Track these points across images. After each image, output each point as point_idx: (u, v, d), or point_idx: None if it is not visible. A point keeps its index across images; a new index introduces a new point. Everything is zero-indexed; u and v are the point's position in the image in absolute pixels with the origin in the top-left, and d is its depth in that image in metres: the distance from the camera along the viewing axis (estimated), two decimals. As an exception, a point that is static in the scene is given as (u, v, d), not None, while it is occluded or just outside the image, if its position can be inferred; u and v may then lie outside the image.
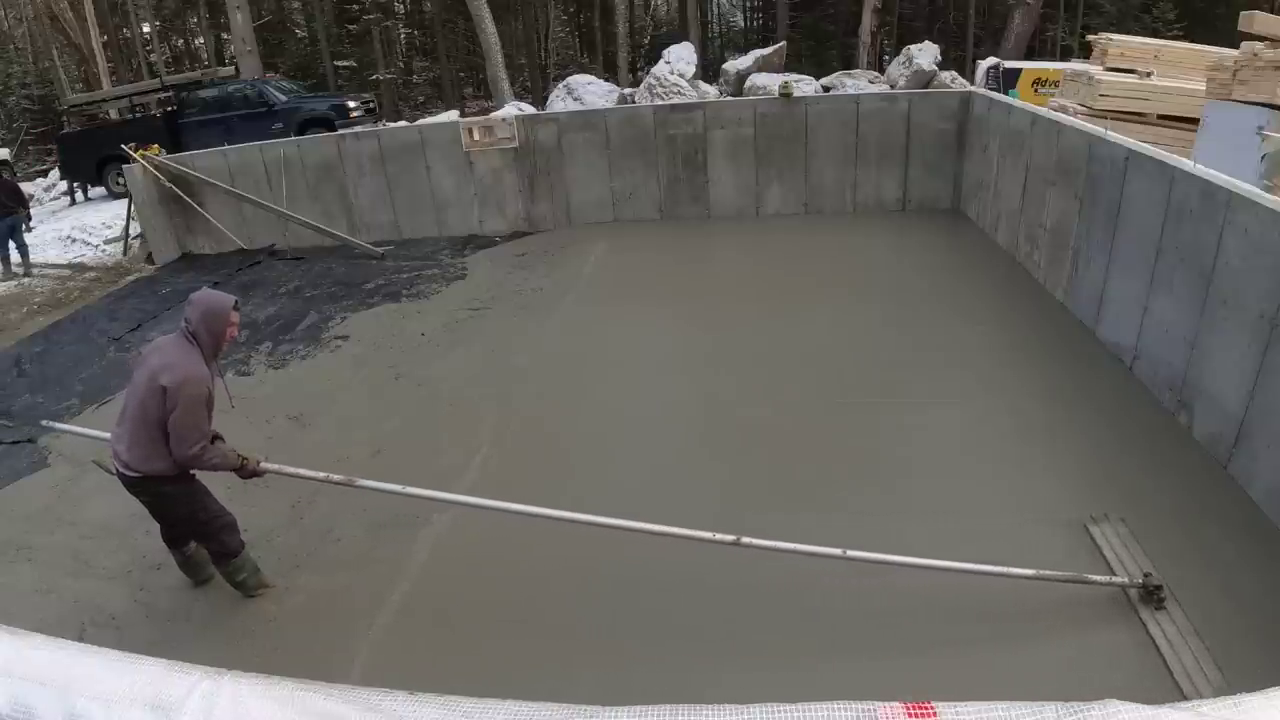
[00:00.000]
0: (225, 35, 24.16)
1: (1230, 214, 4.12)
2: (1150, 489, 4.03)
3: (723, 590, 3.57)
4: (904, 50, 13.10)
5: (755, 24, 30.19)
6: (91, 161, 13.74)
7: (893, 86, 12.47)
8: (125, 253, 10.93)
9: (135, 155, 10.17)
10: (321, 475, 3.64)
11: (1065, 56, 17.50)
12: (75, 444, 5.62)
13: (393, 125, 13.27)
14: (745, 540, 3.18)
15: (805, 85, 12.28)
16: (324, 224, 10.17)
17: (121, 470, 3.37)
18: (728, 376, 5.74)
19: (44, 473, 5.29)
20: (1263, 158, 6.09)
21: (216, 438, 3.55)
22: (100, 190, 14.09)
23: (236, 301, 3.44)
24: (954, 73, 13.08)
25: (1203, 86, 7.71)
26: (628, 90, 14.32)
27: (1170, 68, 9.02)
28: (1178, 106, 8.44)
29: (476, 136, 9.99)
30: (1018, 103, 8.25)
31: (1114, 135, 5.65)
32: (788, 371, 5.73)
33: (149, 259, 10.46)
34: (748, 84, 13.06)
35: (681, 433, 5.06)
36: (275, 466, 3.61)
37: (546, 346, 6.58)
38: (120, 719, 1.01)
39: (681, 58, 13.28)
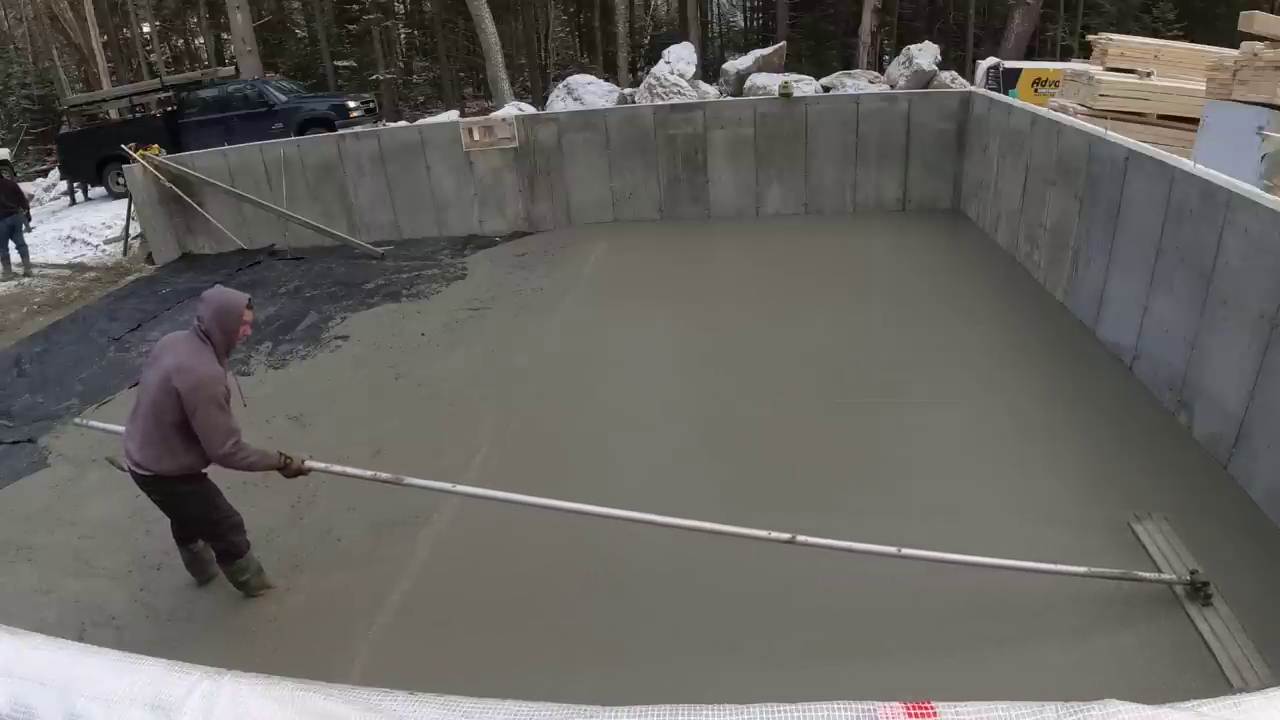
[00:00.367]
0: (225, 35, 24.16)
1: (1230, 214, 4.12)
2: (1150, 489, 4.03)
3: (723, 590, 3.57)
4: (904, 50, 13.11)
5: (755, 24, 30.19)
6: (91, 161, 13.74)
7: (893, 86, 12.47)
8: (125, 253, 10.93)
9: (135, 155, 10.17)
10: (369, 474, 3.59)
11: (1065, 56, 17.50)
12: (75, 444, 5.64)
13: (393, 125, 13.27)
14: (800, 539, 3.15)
15: (805, 85, 12.28)
16: (324, 224, 10.17)
17: (133, 469, 3.37)
18: (728, 376, 5.74)
19: (44, 473, 5.29)
20: (1263, 158, 6.09)
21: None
22: (100, 190, 14.10)
23: (250, 299, 3.42)
24: (954, 73, 13.09)
25: (1203, 86, 7.71)
26: (628, 90, 14.32)
27: (1170, 68, 9.02)
28: (1178, 106, 8.44)
29: (476, 136, 9.99)
30: (1018, 103, 8.25)
31: (1114, 135, 5.65)
32: (788, 371, 5.73)
33: (149, 259, 10.46)
34: (748, 84, 13.06)
35: (681, 432, 5.06)
36: (322, 465, 3.57)
37: (546, 346, 6.58)
38: (120, 719, 1.01)
39: (681, 58, 13.28)
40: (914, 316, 6.51)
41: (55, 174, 16.03)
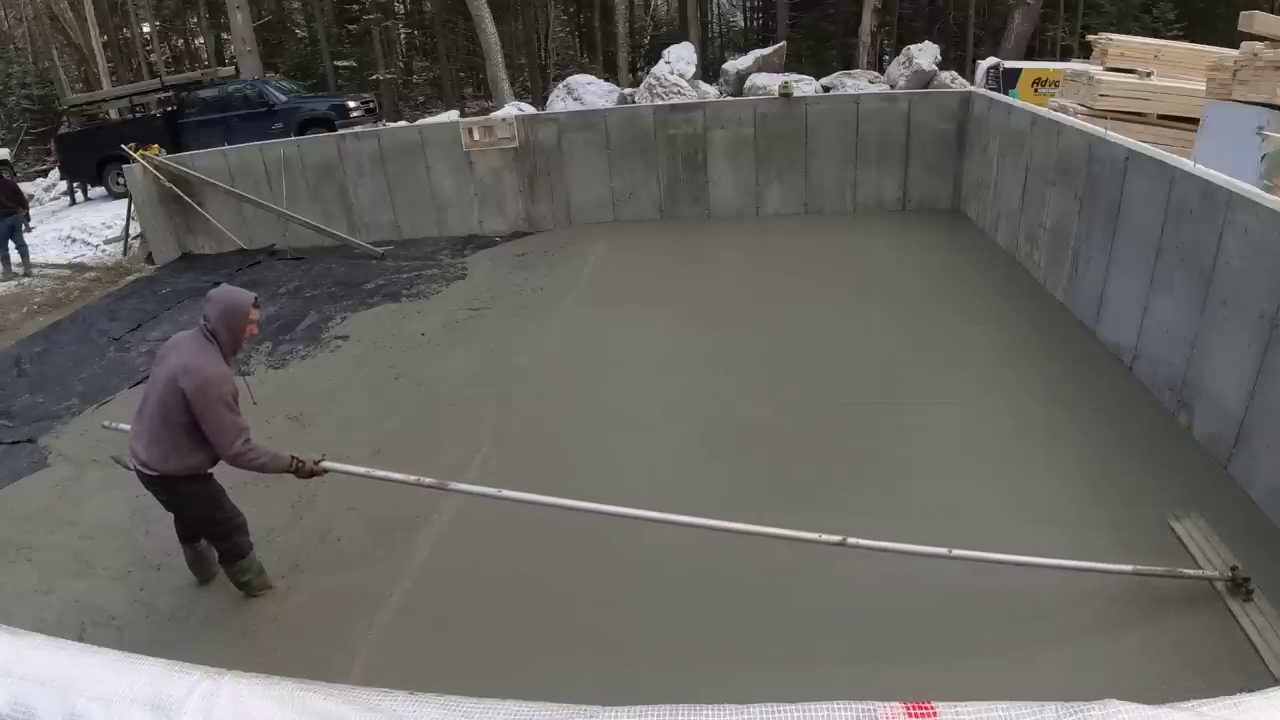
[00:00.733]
0: (225, 35, 24.16)
1: (1230, 214, 4.12)
2: (1150, 489, 4.03)
3: (723, 590, 3.57)
4: (904, 50, 13.11)
5: (755, 24, 30.19)
6: (91, 161, 13.74)
7: (893, 86, 12.47)
8: (125, 253, 10.93)
9: (135, 155, 10.18)
10: (412, 479, 3.56)
11: (1065, 56, 17.50)
12: (75, 444, 5.64)
13: (393, 125, 13.28)
14: (851, 541, 3.15)
15: (805, 85, 12.28)
16: (324, 224, 10.17)
17: (139, 468, 3.37)
18: (728, 376, 5.74)
19: (44, 473, 5.29)
20: (1263, 158, 6.09)
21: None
22: (100, 190, 14.10)
23: (256, 298, 3.41)
24: (954, 73, 13.09)
25: (1203, 86, 7.71)
26: (628, 90, 14.32)
27: (1170, 68, 9.02)
28: (1178, 106, 8.44)
29: (476, 136, 9.99)
30: (1018, 103, 8.25)
31: (1114, 135, 5.65)
32: (788, 371, 5.73)
33: (149, 259, 10.46)
34: (748, 84, 13.06)
35: (681, 432, 5.06)
36: (340, 466, 3.56)
37: (546, 346, 6.58)
38: (120, 719, 1.01)
39: (681, 58, 13.28)
40: (914, 316, 6.51)
41: (55, 174, 16.03)
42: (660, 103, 11.22)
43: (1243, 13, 7.60)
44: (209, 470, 3.46)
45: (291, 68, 23.46)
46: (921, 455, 4.56)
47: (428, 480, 3.54)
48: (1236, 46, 7.30)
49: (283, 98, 14.05)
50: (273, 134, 12.32)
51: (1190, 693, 1.79)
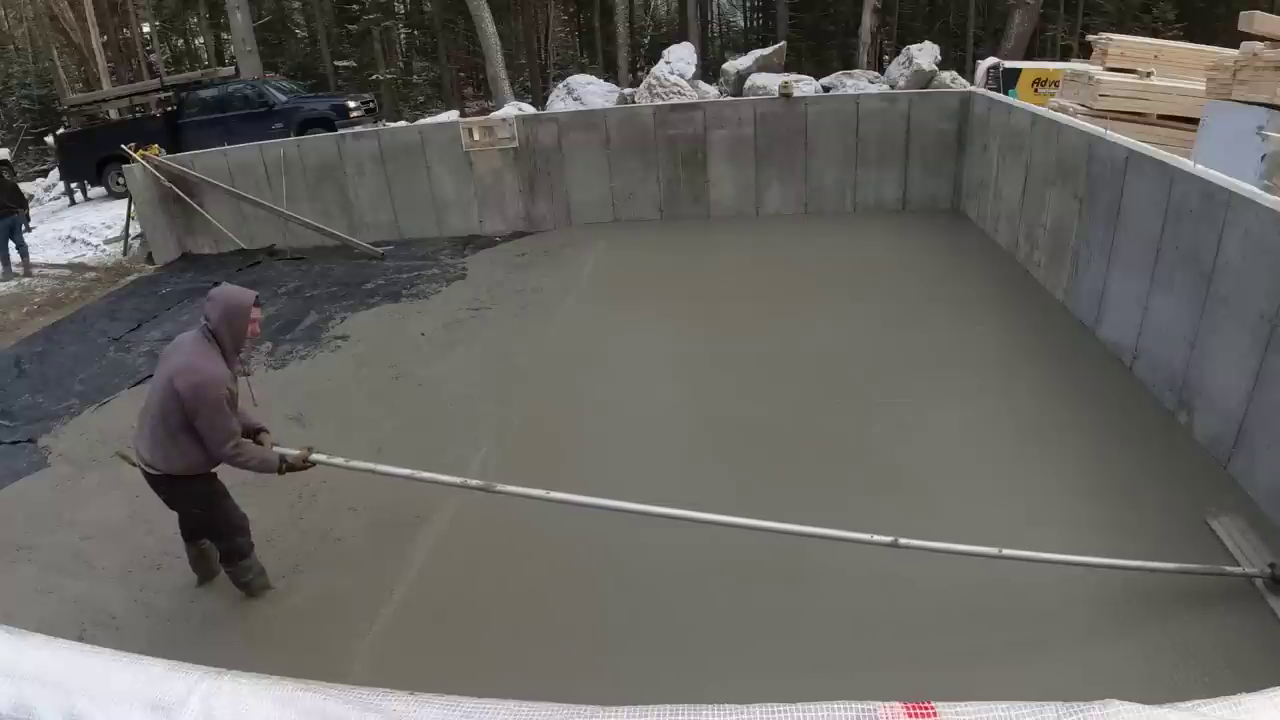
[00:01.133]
0: (225, 35, 24.17)
1: (1230, 214, 4.12)
2: (1150, 489, 4.03)
3: (723, 590, 3.57)
4: (904, 50, 13.14)
5: (755, 24, 30.18)
6: (91, 161, 13.74)
7: (893, 86, 12.49)
8: (125, 253, 10.93)
9: (135, 155, 10.18)
10: (457, 480, 3.55)
11: (1065, 56, 17.49)
12: (75, 444, 5.64)
13: (393, 125, 13.28)
14: (903, 541, 3.16)
15: (805, 85, 12.31)
16: (324, 224, 10.17)
17: (143, 466, 3.39)
18: (728, 376, 5.74)
19: (44, 473, 5.28)
20: (1263, 158, 6.09)
21: (261, 430, 3.57)
22: (100, 190, 14.10)
23: (257, 296, 3.41)
24: (954, 73, 13.12)
25: (1203, 86, 7.70)
26: (628, 90, 14.34)
27: (1170, 68, 9.01)
28: (1178, 106, 8.44)
29: (476, 136, 9.99)
30: (1018, 103, 8.25)
31: (1114, 135, 5.65)
32: (788, 372, 5.72)
33: (149, 259, 10.46)
34: (748, 84, 13.08)
35: (682, 432, 5.06)
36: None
37: (546, 346, 6.58)
38: (120, 719, 1.01)
39: (681, 58, 13.30)
40: (914, 316, 6.50)
41: (55, 174, 16.04)
42: (660, 103, 11.25)
43: (1243, 13, 7.59)
44: (211, 470, 3.47)
45: (291, 68, 23.47)
46: (921, 455, 4.55)
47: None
48: (1236, 46, 7.30)
49: (283, 98, 14.06)
50: (273, 134, 12.33)
51: (1190, 693, 1.78)
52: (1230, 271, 4.12)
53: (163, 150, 11.02)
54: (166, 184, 10.12)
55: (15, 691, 1.04)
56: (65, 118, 16.62)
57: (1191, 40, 11.32)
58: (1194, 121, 7.86)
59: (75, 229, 12.03)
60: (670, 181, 10.00)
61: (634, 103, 12.34)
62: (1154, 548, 3.49)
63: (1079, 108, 8.69)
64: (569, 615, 3.53)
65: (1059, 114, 7.38)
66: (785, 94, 9.70)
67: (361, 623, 3.57)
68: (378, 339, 7.14)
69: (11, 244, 10.42)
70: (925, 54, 12.57)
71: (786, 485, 4.33)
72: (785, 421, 5.04)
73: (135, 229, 10.88)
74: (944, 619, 3.29)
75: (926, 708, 0.96)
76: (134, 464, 3.46)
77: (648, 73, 13.56)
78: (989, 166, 8.38)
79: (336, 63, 22.94)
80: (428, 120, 14.10)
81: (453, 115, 15.10)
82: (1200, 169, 4.56)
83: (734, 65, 13.83)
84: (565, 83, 14.61)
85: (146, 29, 25.41)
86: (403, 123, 14.35)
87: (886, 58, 17.16)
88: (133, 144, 10.45)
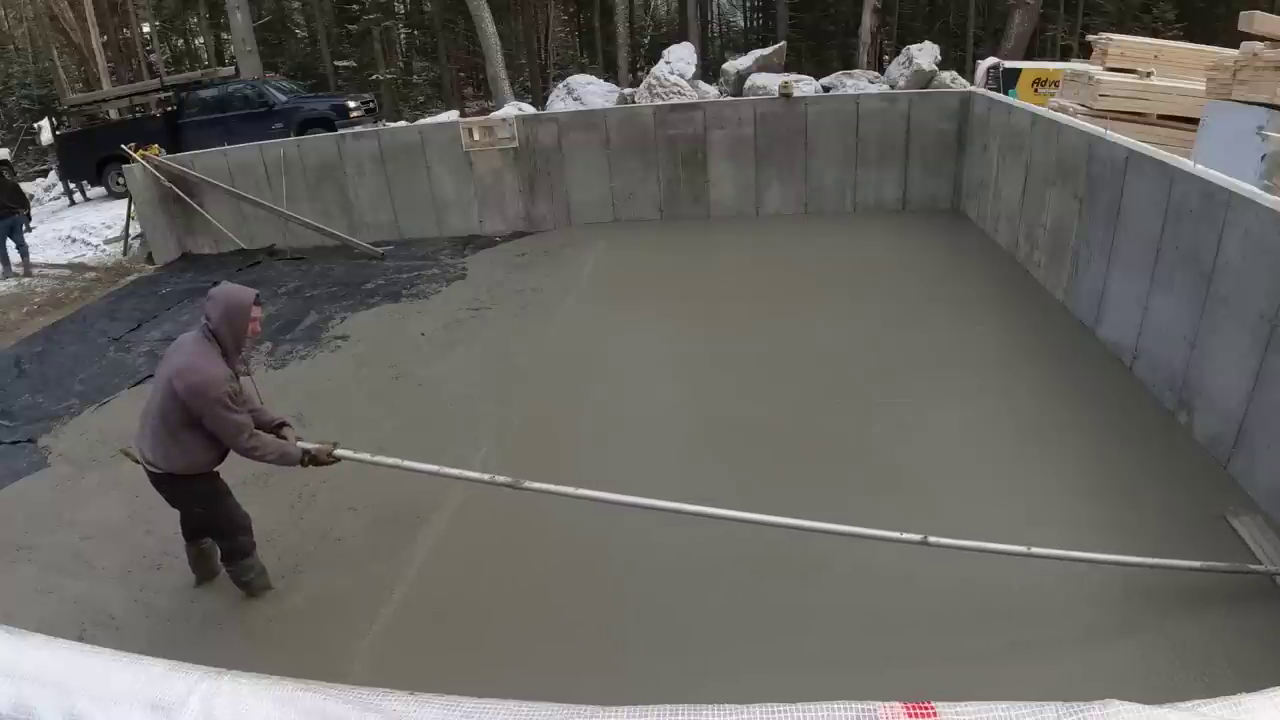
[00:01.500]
0: (225, 35, 24.17)
1: (1230, 214, 4.12)
2: (1150, 489, 4.03)
3: (723, 590, 3.57)
4: (904, 50, 13.14)
5: (755, 24, 30.18)
6: (91, 161, 13.74)
7: (893, 86, 12.49)
8: (125, 253, 10.93)
9: (135, 155, 10.18)
10: (485, 476, 3.52)
11: (1065, 56, 17.50)
12: (75, 444, 5.64)
13: (393, 125, 13.28)
14: (933, 540, 3.15)
15: (805, 85, 12.31)
16: (324, 224, 10.17)
17: (146, 465, 3.40)
18: (728, 376, 5.74)
19: (44, 473, 5.28)
20: (1263, 158, 6.09)
21: (282, 425, 3.58)
22: (99, 190, 14.10)
23: (257, 295, 3.39)
24: (954, 73, 13.12)
25: (1203, 86, 7.70)
26: (628, 90, 14.35)
27: (1170, 68, 9.01)
28: (1178, 106, 8.44)
29: (476, 136, 9.99)
30: (1018, 103, 8.25)
31: (1114, 135, 5.65)
32: (788, 371, 5.72)
33: (149, 259, 10.46)
34: (748, 84, 13.08)
35: (682, 433, 5.06)
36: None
37: (546, 346, 6.58)
38: (120, 719, 1.01)
39: (681, 58, 13.30)
40: (914, 316, 6.50)
41: (54, 174, 16.04)
42: (660, 103, 11.25)
43: (1243, 13, 7.59)
44: (213, 469, 3.47)
45: (291, 68, 23.47)
46: (921, 455, 4.55)
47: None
48: (1236, 46, 7.30)
49: (283, 98, 14.06)
50: (273, 134, 12.33)
51: (1190, 693, 1.78)
52: (1230, 271, 4.12)
53: (163, 150, 11.02)
54: (166, 184, 10.12)
55: (15, 691, 1.04)
56: (64, 117, 16.59)
57: (1191, 40, 11.32)
58: (1194, 121, 7.86)
59: (75, 229, 12.03)
60: (670, 181, 10.01)
61: (634, 103, 12.34)
62: (1154, 547, 3.49)
63: (1079, 108, 8.69)
64: (569, 614, 3.53)
65: (1059, 114, 7.38)
66: (785, 94, 9.70)
67: (361, 623, 3.57)
68: (378, 339, 7.14)
69: (11, 244, 10.42)
70: (925, 54, 12.57)
71: (786, 485, 4.33)
72: (785, 421, 5.04)
73: (135, 229, 10.88)
74: (944, 619, 3.29)
75: (926, 708, 0.96)
76: (137, 461, 3.47)
77: (648, 73, 13.56)
78: (989, 166, 8.38)
79: (336, 63, 22.94)
80: (428, 120, 14.10)
81: (453, 115, 15.10)
82: (1200, 169, 4.56)
83: (734, 65, 13.83)
84: (565, 83, 14.61)
85: (146, 29, 25.41)
86: (403, 123, 14.34)
87: (886, 58, 17.17)
88: (133, 144, 10.45)
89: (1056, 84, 10.51)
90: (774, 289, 7.47)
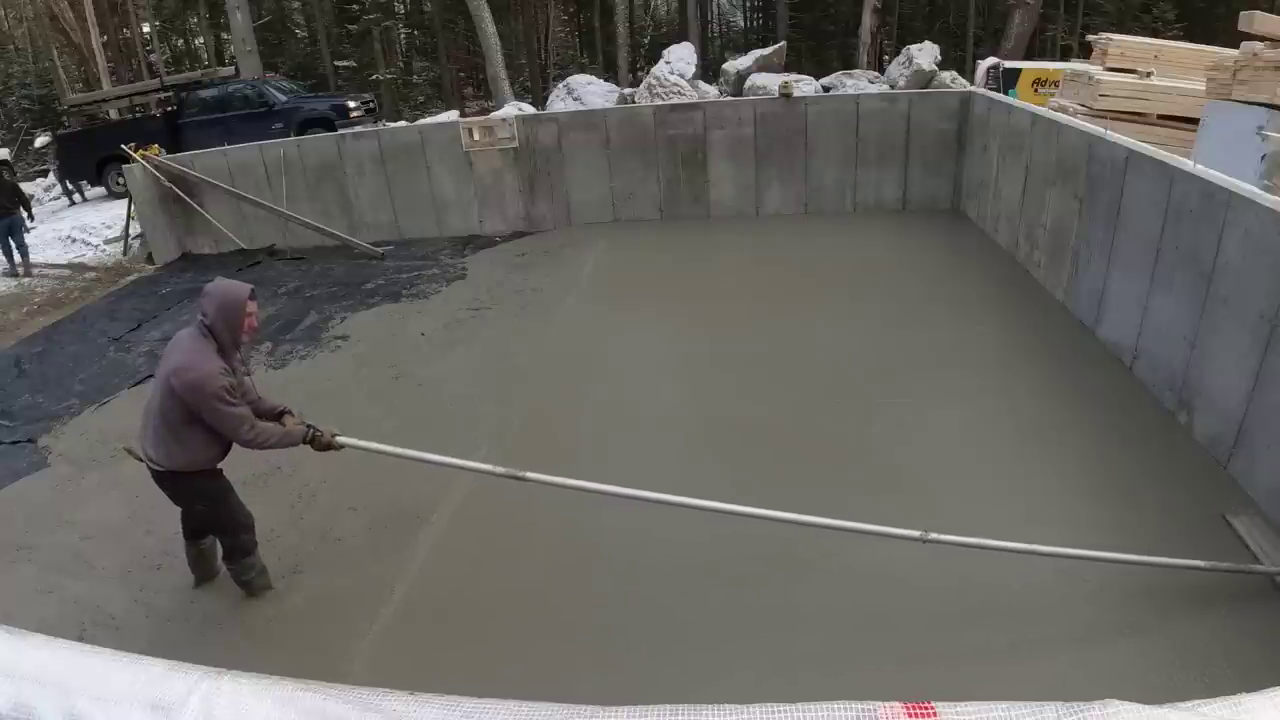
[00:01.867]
0: (225, 35, 24.18)
1: (1230, 214, 4.12)
2: (1150, 489, 4.03)
3: (723, 590, 3.57)
4: (904, 50, 13.14)
5: (755, 24, 30.19)
6: (91, 162, 13.75)
7: (893, 86, 12.49)
8: (125, 253, 10.94)
9: (135, 155, 10.18)
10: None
11: (1065, 56, 17.50)
12: (75, 444, 5.64)
13: (393, 125, 13.28)
14: (932, 536, 3.16)
15: (805, 85, 12.30)
16: (324, 224, 10.17)
17: (148, 463, 3.40)
18: (728, 376, 5.74)
19: (44, 473, 5.28)
20: (1263, 158, 6.09)
21: (285, 414, 3.58)
22: (99, 190, 14.10)
23: (252, 290, 3.38)
24: (954, 73, 13.11)
25: (1203, 86, 7.70)
26: (628, 90, 14.34)
27: (1170, 68, 9.01)
28: (1178, 106, 8.44)
29: (476, 136, 9.99)
30: (1018, 103, 8.25)
31: (1114, 135, 5.65)
32: (788, 371, 5.72)
33: (149, 259, 10.47)
34: (748, 84, 13.08)
35: (682, 432, 5.06)
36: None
37: (546, 346, 6.58)
38: (120, 719, 1.01)
39: (681, 58, 13.30)
40: (914, 317, 6.50)
41: (54, 174, 16.04)
42: (660, 103, 11.24)
43: (1243, 13, 7.59)
44: (216, 465, 3.47)
45: (291, 68, 23.48)
46: (921, 455, 4.55)
47: (499, 469, 3.47)
48: (1236, 46, 7.30)
49: (283, 98, 14.06)
50: (273, 134, 12.34)
51: (1190, 693, 1.78)
52: (1230, 271, 4.12)
53: (163, 150, 11.02)
54: (166, 184, 10.12)
55: (15, 691, 1.04)
56: (64, 117, 16.61)
57: (1191, 40, 11.32)
58: (1194, 121, 7.86)
59: (75, 229, 12.03)
60: (670, 181, 10.01)
61: (634, 103, 12.33)
62: (1154, 547, 3.49)
63: (1079, 108, 8.69)
64: (569, 614, 3.53)
65: (1059, 114, 7.38)
66: (785, 94, 9.70)
67: (361, 623, 3.57)
68: (378, 339, 7.14)
69: (12, 243, 10.42)
70: (925, 54, 12.57)
71: (786, 485, 4.33)
72: (785, 421, 5.04)
73: (135, 229, 10.88)
74: (944, 618, 3.29)
75: (926, 708, 0.96)
76: (140, 459, 3.47)
77: (648, 73, 13.56)
78: (989, 166, 8.38)
79: (336, 63, 22.94)
80: (428, 120, 14.10)
81: (453, 115, 15.10)
82: (1200, 169, 4.56)
83: (734, 65, 13.82)
84: (565, 83, 14.61)
85: (146, 29, 25.42)
86: (403, 123, 14.35)
87: (886, 58, 17.17)
88: (133, 144, 10.45)
89: (1056, 84, 10.51)
90: (774, 289, 7.47)
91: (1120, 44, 9.32)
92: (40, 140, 18.66)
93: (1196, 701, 0.99)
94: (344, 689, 1.06)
